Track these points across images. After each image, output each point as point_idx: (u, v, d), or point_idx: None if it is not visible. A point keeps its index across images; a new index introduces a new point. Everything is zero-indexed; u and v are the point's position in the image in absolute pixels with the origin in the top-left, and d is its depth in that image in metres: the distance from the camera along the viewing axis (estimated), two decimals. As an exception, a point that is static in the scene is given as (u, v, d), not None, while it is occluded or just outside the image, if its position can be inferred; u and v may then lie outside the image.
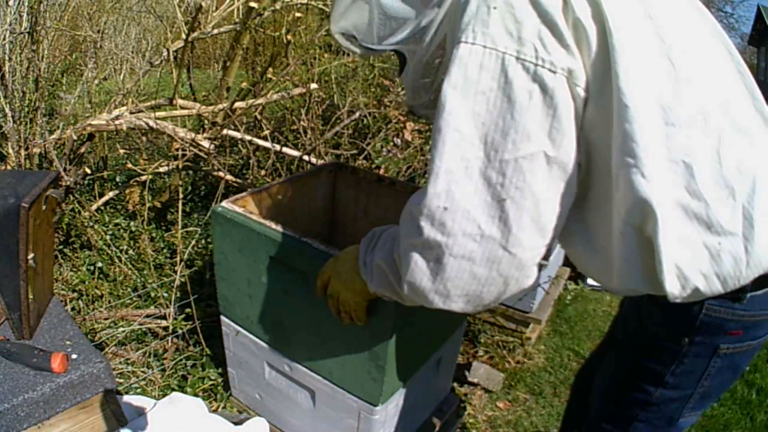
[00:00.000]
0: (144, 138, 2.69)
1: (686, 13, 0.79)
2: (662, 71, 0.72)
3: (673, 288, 0.76)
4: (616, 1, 0.71)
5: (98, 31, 3.00)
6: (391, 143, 2.68)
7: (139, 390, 1.79)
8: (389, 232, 0.96)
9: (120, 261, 2.26)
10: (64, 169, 2.01)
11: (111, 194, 2.52)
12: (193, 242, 2.40)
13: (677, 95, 0.72)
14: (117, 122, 2.15)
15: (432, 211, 0.76)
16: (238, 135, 2.42)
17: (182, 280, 2.09)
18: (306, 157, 2.43)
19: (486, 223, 0.74)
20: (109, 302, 2.12)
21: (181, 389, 1.84)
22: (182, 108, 2.38)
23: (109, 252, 2.26)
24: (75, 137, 2.15)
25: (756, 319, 0.82)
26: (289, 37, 2.28)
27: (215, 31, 2.35)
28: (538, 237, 0.75)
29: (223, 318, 1.61)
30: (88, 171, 2.29)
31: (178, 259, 2.19)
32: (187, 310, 2.04)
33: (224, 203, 1.42)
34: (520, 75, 0.69)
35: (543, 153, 0.71)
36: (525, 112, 0.70)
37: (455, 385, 2.07)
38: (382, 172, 2.52)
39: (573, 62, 0.70)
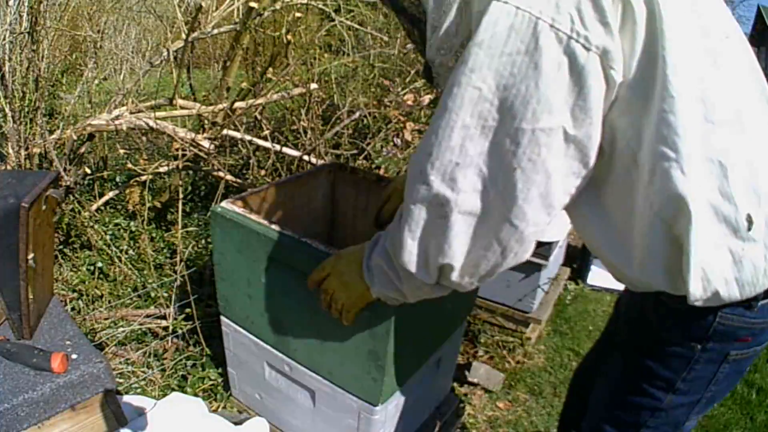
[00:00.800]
0: (144, 138, 2.69)
1: (723, 14, 0.78)
2: (707, 67, 0.70)
3: (696, 289, 0.75)
4: None
5: (98, 31, 3.00)
6: (391, 143, 2.68)
7: (139, 390, 1.79)
8: (386, 233, 0.95)
9: (120, 261, 2.26)
10: (64, 169, 2.01)
11: (111, 194, 2.52)
12: (193, 242, 2.40)
13: (718, 93, 0.70)
14: (117, 122, 2.15)
15: (444, 165, 0.74)
16: (238, 135, 2.42)
17: (182, 280, 2.09)
18: (306, 157, 2.43)
19: (492, 186, 0.73)
20: (109, 302, 2.12)
21: (181, 389, 1.84)
22: (182, 108, 2.38)
23: (109, 252, 2.26)
24: (75, 137, 2.15)
25: (764, 326, 0.82)
26: (289, 37, 2.28)
27: (215, 31, 2.35)
28: (543, 213, 0.74)
29: (223, 318, 1.61)
30: (88, 171, 2.29)
31: (178, 259, 2.20)
32: (187, 310, 2.04)
33: (224, 203, 1.42)
34: (552, 44, 0.66)
35: (562, 129, 0.69)
36: (551, 83, 0.67)
37: (455, 385, 2.07)
38: (382, 172, 2.52)
39: (610, 42, 0.66)
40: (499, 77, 0.68)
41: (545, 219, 0.75)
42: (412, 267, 0.84)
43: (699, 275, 0.74)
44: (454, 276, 0.82)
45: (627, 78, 0.69)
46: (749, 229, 0.73)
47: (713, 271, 0.74)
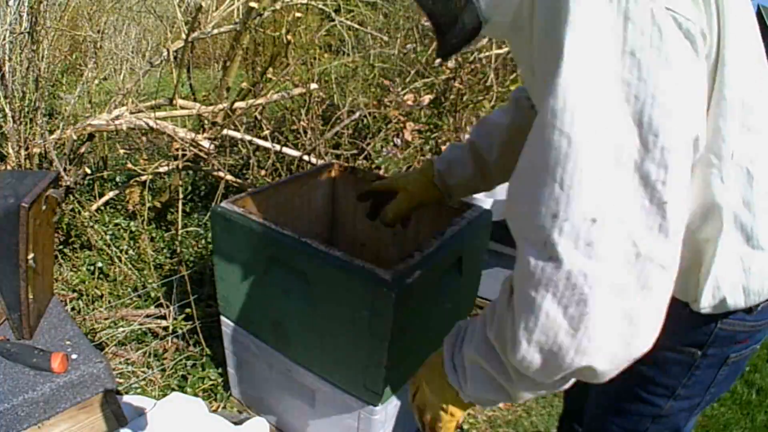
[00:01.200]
0: (144, 138, 2.69)
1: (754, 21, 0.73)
2: (755, 72, 0.67)
3: (707, 297, 0.74)
4: None
5: (98, 31, 3.00)
6: (391, 143, 2.68)
7: (139, 390, 1.79)
8: (476, 321, 0.75)
9: (120, 261, 2.26)
10: (64, 169, 2.01)
11: (111, 194, 2.52)
12: (193, 242, 2.40)
13: (756, 99, 0.67)
14: (117, 122, 2.15)
15: (577, 227, 0.53)
16: (238, 135, 2.43)
17: (182, 280, 2.09)
18: (306, 157, 2.43)
19: (643, 237, 0.53)
20: (109, 302, 2.12)
21: (181, 389, 1.84)
22: (182, 108, 2.38)
23: (109, 252, 2.27)
24: (75, 137, 2.15)
25: (761, 327, 0.82)
26: (289, 37, 2.28)
27: (215, 31, 2.35)
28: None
29: (223, 318, 1.61)
30: (88, 171, 2.29)
31: (178, 259, 2.20)
32: (187, 310, 2.04)
33: (224, 203, 1.42)
34: (674, 32, 0.52)
35: (698, 137, 0.57)
36: (685, 78, 0.54)
37: (455, 385, 2.07)
38: (382, 172, 2.52)
39: (705, 26, 0.56)
40: (626, 85, 0.52)
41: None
42: (535, 370, 0.61)
43: (713, 283, 0.74)
44: (601, 368, 0.59)
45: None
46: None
47: (724, 279, 0.74)
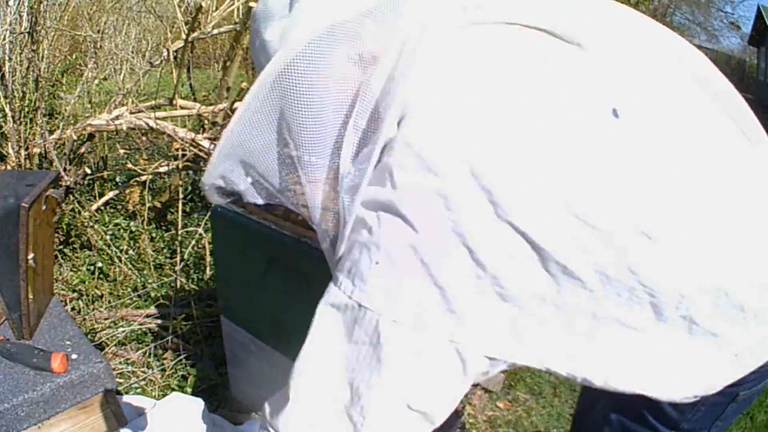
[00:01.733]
0: (144, 138, 2.69)
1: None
2: None
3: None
4: None
5: (98, 31, 3.00)
6: (391, 143, 2.68)
7: (139, 390, 1.79)
8: None
9: (120, 261, 2.26)
10: (64, 169, 2.01)
11: (111, 194, 2.52)
12: (193, 242, 2.40)
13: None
14: (117, 122, 2.15)
15: None
16: (238, 135, 2.42)
17: (182, 280, 2.09)
18: (306, 157, 2.43)
19: None
20: (109, 302, 2.12)
21: (181, 389, 1.84)
22: (182, 108, 2.38)
23: (109, 252, 2.27)
24: (75, 137, 2.15)
25: None
26: (289, 37, 2.27)
27: (215, 31, 2.35)
28: None
29: (223, 318, 1.61)
30: (88, 171, 2.29)
31: (178, 259, 2.20)
32: (187, 310, 2.04)
33: (224, 203, 1.42)
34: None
35: None
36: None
37: (455, 385, 2.07)
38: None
39: None
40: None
41: None
42: None
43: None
44: None
45: None
46: None
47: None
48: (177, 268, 2.15)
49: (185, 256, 2.27)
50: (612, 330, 0.65)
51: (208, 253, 2.37)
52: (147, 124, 2.17)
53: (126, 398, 1.59)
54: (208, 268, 2.29)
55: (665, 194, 0.62)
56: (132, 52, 3.76)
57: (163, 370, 1.91)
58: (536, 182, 0.59)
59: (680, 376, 0.70)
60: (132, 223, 2.48)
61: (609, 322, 0.65)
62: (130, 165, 2.33)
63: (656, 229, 0.61)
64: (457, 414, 1.86)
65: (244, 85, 2.53)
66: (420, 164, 0.60)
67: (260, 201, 0.79)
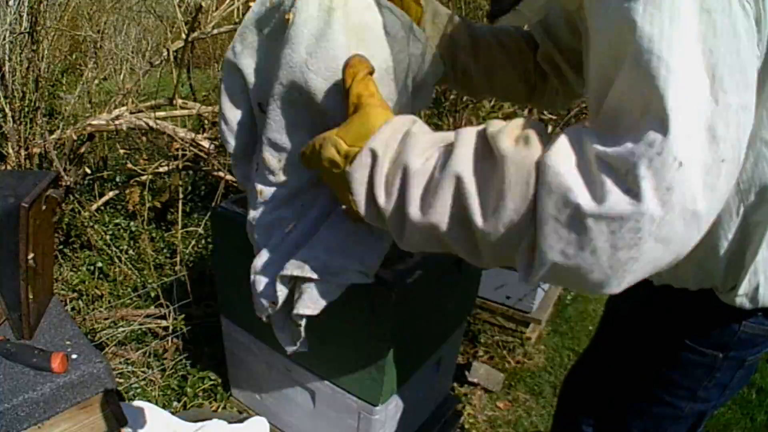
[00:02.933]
0: (144, 138, 2.69)
1: None
2: None
3: (744, 286, 0.74)
4: None
5: (98, 31, 3.00)
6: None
7: (138, 390, 1.79)
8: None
9: (120, 261, 2.26)
10: (64, 169, 2.01)
11: (111, 194, 2.52)
12: (193, 242, 2.40)
13: None
14: (117, 122, 2.15)
15: (667, 165, 0.48)
16: (238, 135, 2.42)
17: (182, 280, 2.09)
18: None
19: (702, 196, 0.50)
20: (109, 302, 2.12)
21: (181, 389, 1.85)
22: (182, 108, 2.38)
23: (109, 252, 2.27)
24: (75, 137, 2.15)
25: None
26: (289, 37, 2.27)
27: (215, 31, 2.35)
28: None
29: (223, 318, 1.61)
30: (88, 171, 2.29)
31: (178, 259, 2.20)
32: (187, 310, 2.04)
33: (224, 203, 1.42)
34: (740, 8, 0.52)
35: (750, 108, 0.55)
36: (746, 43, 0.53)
37: (455, 385, 2.07)
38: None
39: (760, 16, 0.54)
40: (704, 40, 0.51)
41: None
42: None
43: (753, 270, 0.73)
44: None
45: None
46: None
47: (764, 270, 0.73)
48: (177, 268, 2.15)
49: (185, 256, 2.27)
50: None
51: (208, 253, 2.37)
52: (147, 124, 2.17)
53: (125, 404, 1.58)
54: (208, 268, 2.29)
55: None
56: (132, 52, 3.75)
57: (163, 370, 1.91)
58: None
59: None
60: (132, 223, 2.48)
61: None
62: (130, 165, 2.33)
63: None
64: (456, 414, 1.86)
65: (244, 85, 2.52)
66: None
67: None
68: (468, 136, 0.62)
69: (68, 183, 2.01)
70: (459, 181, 0.59)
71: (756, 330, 0.80)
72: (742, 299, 0.76)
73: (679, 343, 0.87)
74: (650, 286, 0.86)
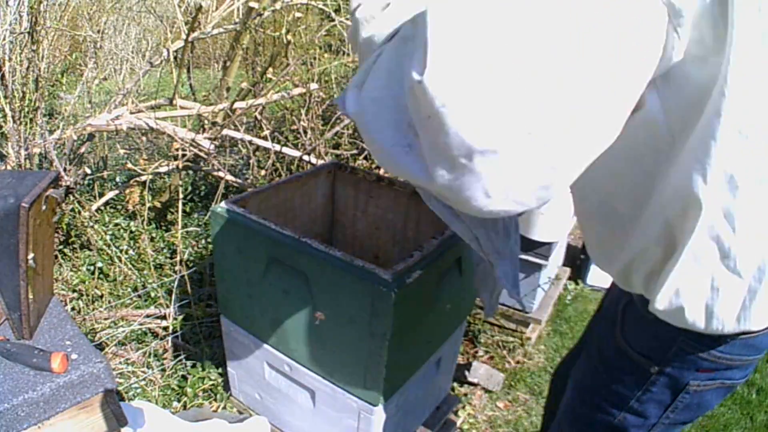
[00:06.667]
0: (144, 138, 2.69)
1: None
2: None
3: (663, 297, 0.72)
4: None
5: (98, 31, 3.00)
6: (391, 143, 2.68)
7: (139, 390, 1.79)
8: None
9: (120, 261, 2.26)
10: (64, 169, 2.01)
11: (111, 194, 2.52)
12: (193, 242, 2.40)
13: (763, 108, 0.60)
14: (117, 122, 2.15)
15: None
16: (238, 135, 2.43)
17: (182, 280, 2.09)
18: (306, 157, 2.43)
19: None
20: (109, 302, 2.12)
21: (181, 389, 1.84)
22: (182, 108, 2.38)
23: (109, 252, 2.26)
24: (75, 137, 2.15)
25: (732, 363, 0.78)
26: (289, 37, 2.28)
27: (215, 31, 2.35)
28: None
29: (223, 318, 1.61)
30: (88, 171, 2.29)
31: (178, 259, 2.20)
32: (187, 310, 2.04)
33: (224, 203, 1.42)
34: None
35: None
36: None
37: (455, 385, 2.07)
38: (382, 172, 2.52)
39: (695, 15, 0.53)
40: None
41: None
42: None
43: (673, 285, 0.70)
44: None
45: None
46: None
47: (687, 286, 0.70)
48: (177, 268, 2.15)
49: (185, 256, 2.27)
50: None
51: (208, 253, 2.37)
52: (147, 124, 2.17)
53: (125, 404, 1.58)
54: (208, 268, 2.29)
55: None
56: (132, 52, 3.75)
57: (163, 370, 1.91)
58: None
59: None
60: (132, 223, 2.48)
61: None
62: (130, 165, 2.33)
63: None
64: (456, 414, 1.86)
65: (244, 85, 2.53)
66: None
67: None
68: None
69: (68, 183, 2.01)
70: None
71: (697, 351, 0.76)
72: (663, 315, 0.74)
73: (618, 345, 0.86)
74: (622, 291, 0.86)
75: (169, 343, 2.01)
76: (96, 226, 2.31)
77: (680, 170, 0.65)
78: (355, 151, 2.65)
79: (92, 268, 2.23)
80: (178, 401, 1.83)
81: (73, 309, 2.06)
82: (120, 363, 1.89)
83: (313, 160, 2.43)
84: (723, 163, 0.62)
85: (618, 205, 0.77)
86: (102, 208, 2.50)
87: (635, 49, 0.51)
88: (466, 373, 2.13)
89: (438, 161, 0.54)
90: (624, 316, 0.86)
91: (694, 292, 0.70)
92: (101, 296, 2.13)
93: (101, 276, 2.25)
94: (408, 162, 0.60)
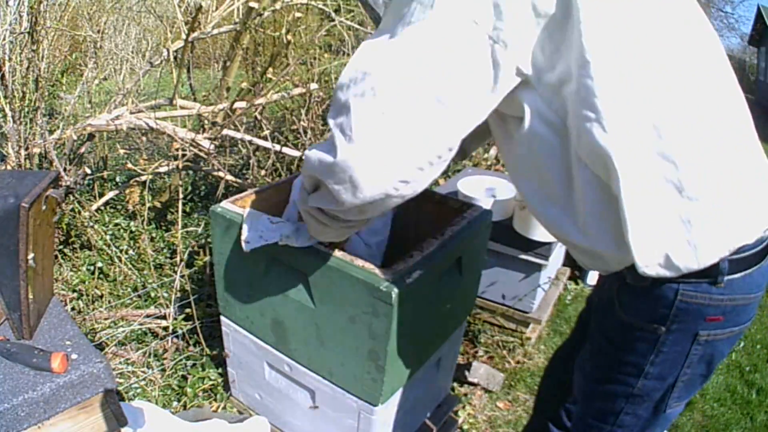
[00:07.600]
0: (144, 138, 2.69)
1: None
2: (628, 36, 0.71)
3: (642, 254, 0.75)
4: None
5: (98, 31, 3.00)
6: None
7: (139, 390, 1.79)
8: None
9: (120, 261, 2.26)
10: (64, 169, 2.01)
11: (111, 194, 2.52)
12: (193, 242, 2.40)
13: (645, 61, 0.71)
14: (117, 122, 2.15)
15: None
16: (238, 135, 2.42)
17: (182, 280, 2.09)
18: (306, 157, 2.43)
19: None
20: (109, 302, 2.12)
21: (181, 389, 1.84)
22: (182, 108, 2.38)
23: (109, 252, 2.26)
24: (75, 137, 2.15)
25: (736, 304, 0.80)
26: (289, 37, 2.28)
27: (215, 31, 2.35)
28: None
29: (223, 318, 1.61)
30: (88, 171, 2.29)
31: (178, 259, 2.20)
32: (187, 310, 2.04)
33: (224, 203, 1.42)
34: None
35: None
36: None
37: (455, 385, 2.07)
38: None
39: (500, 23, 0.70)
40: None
41: None
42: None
43: (643, 238, 0.74)
44: None
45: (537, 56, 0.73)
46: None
47: (659, 233, 0.73)
48: (177, 268, 2.15)
49: (185, 256, 2.27)
50: None
51: (208, 253, 2.37)
52: (147, 124, 2.17)
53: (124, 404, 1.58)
54: (208, 268, 2.29)
55: None
56: (132, 52, 3.75)
57: (163, 370, 1.91)
58: None
59: None
60: (132, 223, 2.48)
61: None
62: (130, 165, 2.33)
63: None
64: (456, 414, 1.86)
65: (244, 85, 2.53)
66: None
67: None
68: None
69: (68, 183, 2.01)
70: None
71: (698, 299, 0.79)
72: (655, 270, 0.76)
73: (622, 318, 0.88)
74: (612, 277, 0.89)
75: (169, 343, 2.01)
76: (96, 226, 2.31)
77: (583, 136, 0.74)
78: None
79: (92, 268, 2.23)
80: (178, 401, 1.83)
81: (73, 309, 2.06)
82: (120, 363, 1.89)
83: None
84: (637, 115, 0.71)
85: (551, 191, 0.84)
86: (102, 208, 2.50)
87: (464, 75, 0.71)
88: (466, 373, 2.13)
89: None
90: (620, 297, 0.88)
91: (669, 235, 0.74)
92: (101, 296, 2.13)
93: (101, 276, 2.25)
94: None
